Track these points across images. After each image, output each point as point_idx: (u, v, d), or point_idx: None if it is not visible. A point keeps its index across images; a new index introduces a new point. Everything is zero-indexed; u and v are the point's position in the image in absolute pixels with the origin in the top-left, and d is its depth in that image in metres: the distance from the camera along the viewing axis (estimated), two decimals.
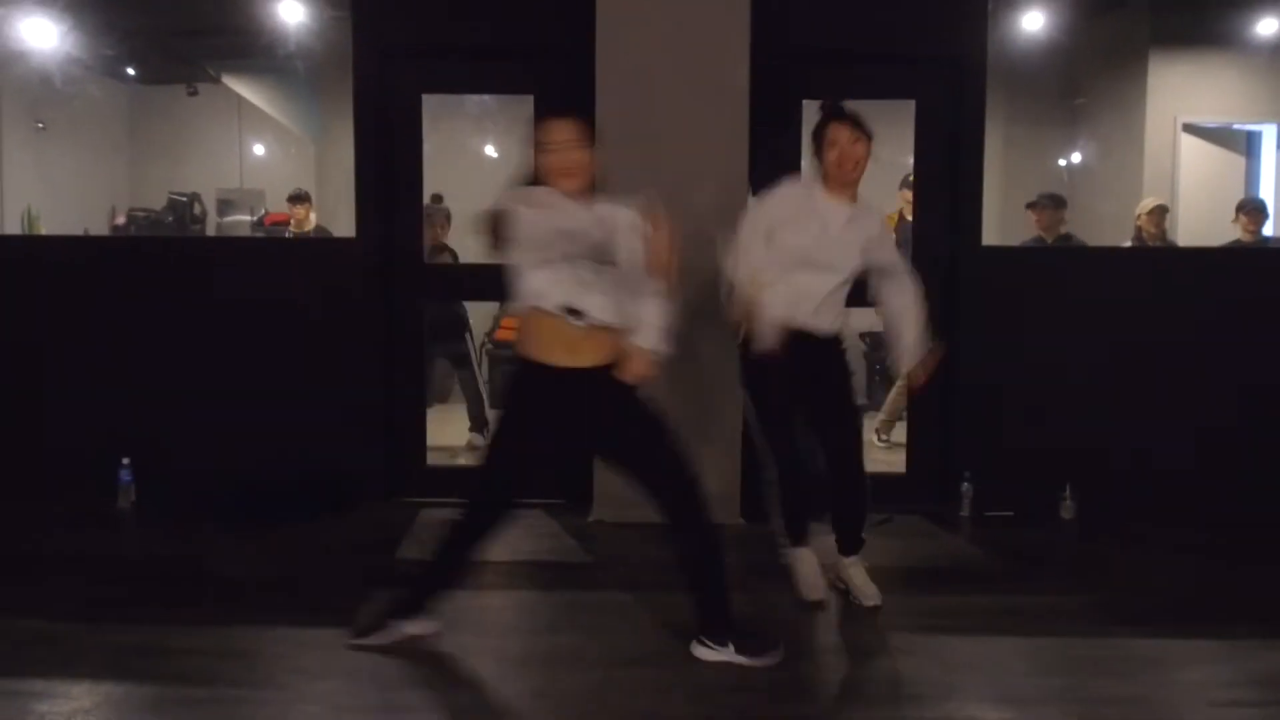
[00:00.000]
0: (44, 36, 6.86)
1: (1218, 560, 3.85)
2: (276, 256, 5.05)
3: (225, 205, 9.37)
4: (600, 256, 2.62)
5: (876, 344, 7.18)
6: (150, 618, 3.08)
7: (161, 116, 9.62)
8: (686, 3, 4.09)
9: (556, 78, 4.37)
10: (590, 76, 4.18)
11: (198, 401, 4.48)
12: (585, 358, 2.67)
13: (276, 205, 8.41)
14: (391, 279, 4.52)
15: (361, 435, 4.51)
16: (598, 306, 2.66)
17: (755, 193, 4.21)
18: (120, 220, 8.81)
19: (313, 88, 8.59)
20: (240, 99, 9.35)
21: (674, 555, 2.80)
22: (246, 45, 7.96)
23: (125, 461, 4.39)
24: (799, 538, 3.38)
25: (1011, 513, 4.39)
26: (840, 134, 3.16)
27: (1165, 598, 3.38)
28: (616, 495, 4.30)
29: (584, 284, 2.64)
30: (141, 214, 8.62)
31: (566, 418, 2.74)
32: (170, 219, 8.53)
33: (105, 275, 4.60)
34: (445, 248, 6.03)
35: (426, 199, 4.90)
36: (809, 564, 3.35)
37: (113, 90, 9.23)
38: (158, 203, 8.61)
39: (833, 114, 3.22)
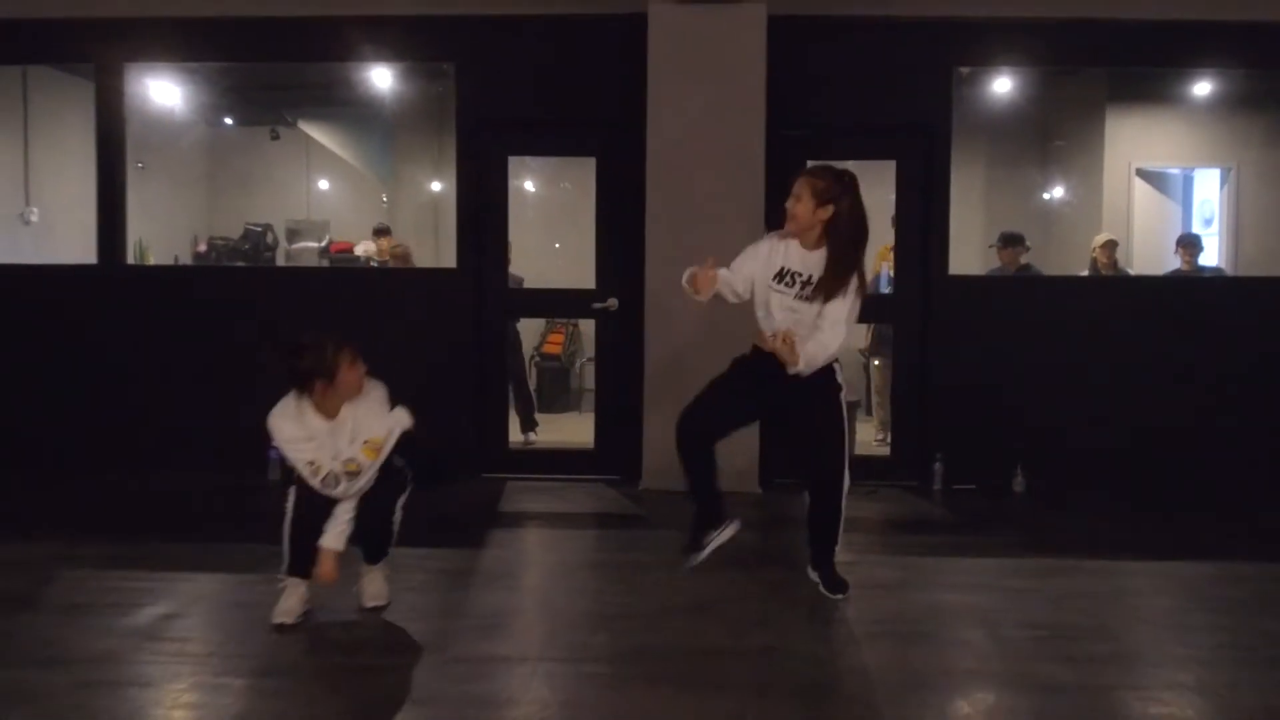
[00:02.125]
0: (154, 92, 8.01)
1: (1132, 522, 4.97)
2: (394, 282, 6.28)
3: (293, 234, 10.43)
4: None
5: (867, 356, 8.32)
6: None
7: (238, 155, 10.74)
8: (717, 88, 5.28)
9: (613, 144, 5.60)
10: (641, 143, 5.39)
11: None
12: None
13: (340, 235, 9.61)
14: (482, 301, 5.72)
15: (458, 424, 5.68)
16: None
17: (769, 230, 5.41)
18: (202, 248, 9.94)
19: (387, 137, 9.78)
20: (309, 140, 10.53)
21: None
22: (332, 97, 9.18)
23: (274, 444, 5.56)
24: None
25: (974, 486, 5.54)
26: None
27: (1082, 542, 4.50)
28: (660, 469, 5.46)
29: None
30: (221, 242, 9.74)
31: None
32: (247, 246, 9.63)
33: (261, 297, 5.81)
34: None
35: None
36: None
37: (195, 132, 10.38)
38: (235, 232, 9.73)
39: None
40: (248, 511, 4.94)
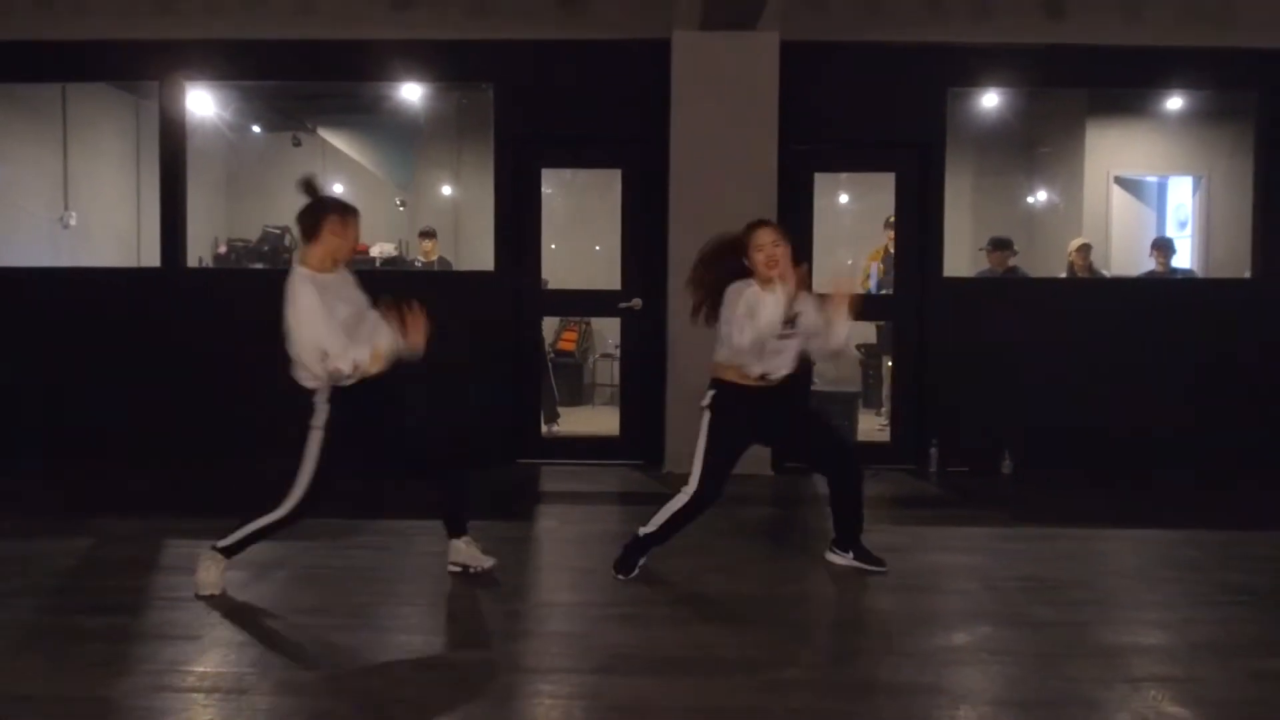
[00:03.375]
0: (190, 103, 8.38)
1: (1107, 497, 5.54)
2: (439, 283, 6.76)
3: None
4: None
5: (870, 353, 8.89)
6: (355, 515, 4.75)
7: (256, 160, 11.11)
8: (734, 106, 5.80)
9: (639, 157, 6.12)
10: (663, 157, 5.92)
11: None
12: None
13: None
14: (518, 301, 6.23)
15: (496, 413, 6.19)
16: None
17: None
18: (222, 250, 10.35)
19: (407, 145, 10.23)
20: (325, 144, 10.93)
21: (830, 491, 3.99)
22: (355, 106, 9.62)
23: None
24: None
25: (966, 468, 6.09)
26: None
27: (1063, 514, 5.05)
28: (682, 454, 5.97)
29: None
30: (240, 244, 10.14)
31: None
32: (265, 248, 10.03)
33: None
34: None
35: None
36: None
37: (220, 140, 10.74)
38: (253, 234, 10.13)
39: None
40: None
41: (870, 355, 8.96)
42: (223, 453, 6.09)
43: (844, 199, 9.31)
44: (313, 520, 4.57)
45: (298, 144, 10.67)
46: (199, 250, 10.11)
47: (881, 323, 7.37)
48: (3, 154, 7.51)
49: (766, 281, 3.72)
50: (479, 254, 7.61)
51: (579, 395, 9.44)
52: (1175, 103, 8.16)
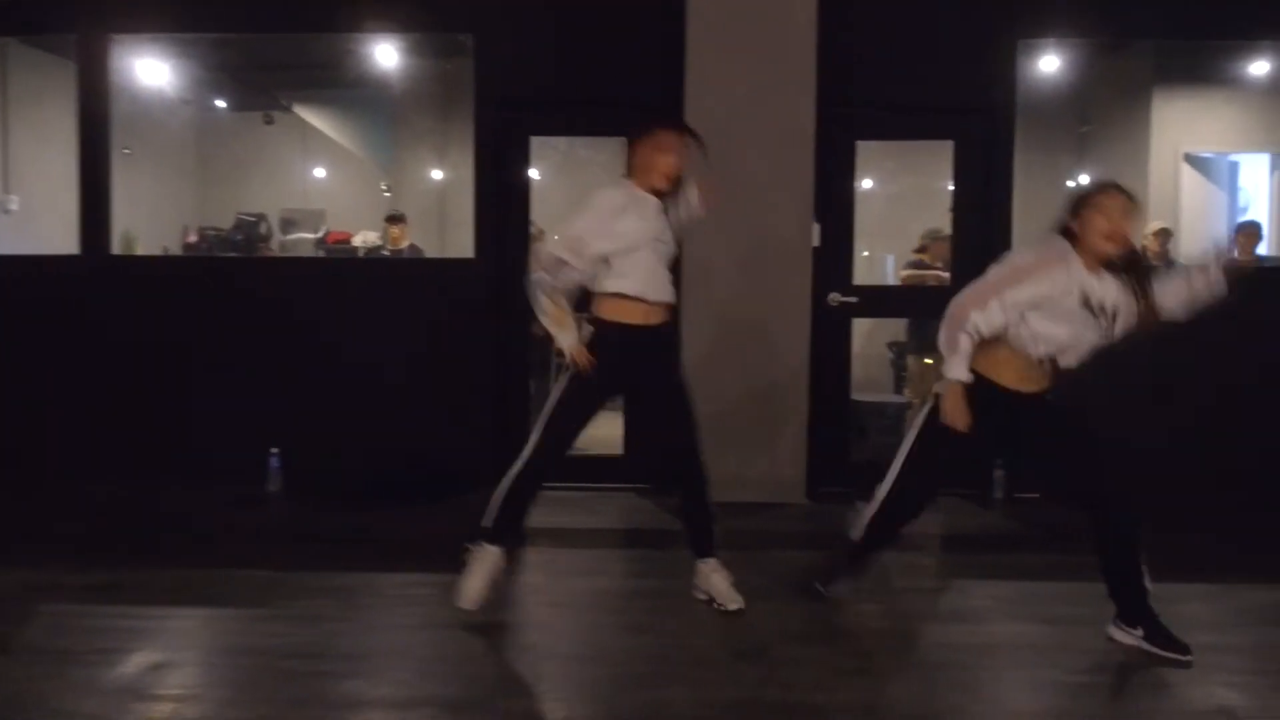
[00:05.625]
0: (140, 71, 7.51)
1: (1232, 540, 4.52)
2: (407, 274, 5.81)
3: (288, 224, 9.94)
4: None
5: (899, 352, 7.92)
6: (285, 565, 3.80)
7: (230, 141, 10.23)
8: (762, 63, 4.83)
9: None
10: None
11: (337, 398, 5.20)
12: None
13: (337, 225, 9.12)
14: (503, 293, 5.25)
15: (477, 427, 5.23)
16: None
17: (819, 216, 4.99)
18: (193, 239, 9.45)
19: (388, 122, 9.32)
20: (306, 125, 10.04)
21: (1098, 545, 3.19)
22: (330, 79, 8.70)
23: (274, 451, 5.10)
24: (504, 537, 3.31)
25: (1038, 494, 5.09)
26: None
27: (1188, 561, 4.01)
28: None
29: None
30: (212, 233, 9.26)
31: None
32: (239, 237, 9.13)
33: (262, 289, 5.35)
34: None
35: None
36: (489, 568, 3.27)
37: (183, 117, 9.86)
38: (227, 222, 9.22)
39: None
40: (246, 530, 4.48)
41: (900, 354, 8.00)
42: (135, 474, 5.13)
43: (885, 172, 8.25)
44: (229, 580, 3.63)
45: (270, 122, 9.85)
46: (166, 239, 9.29)
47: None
48: None
49: (1097, 256, 3.06)
50: (467, 240, 6.75)
51: None
52: (1260, 66, 7.18)
